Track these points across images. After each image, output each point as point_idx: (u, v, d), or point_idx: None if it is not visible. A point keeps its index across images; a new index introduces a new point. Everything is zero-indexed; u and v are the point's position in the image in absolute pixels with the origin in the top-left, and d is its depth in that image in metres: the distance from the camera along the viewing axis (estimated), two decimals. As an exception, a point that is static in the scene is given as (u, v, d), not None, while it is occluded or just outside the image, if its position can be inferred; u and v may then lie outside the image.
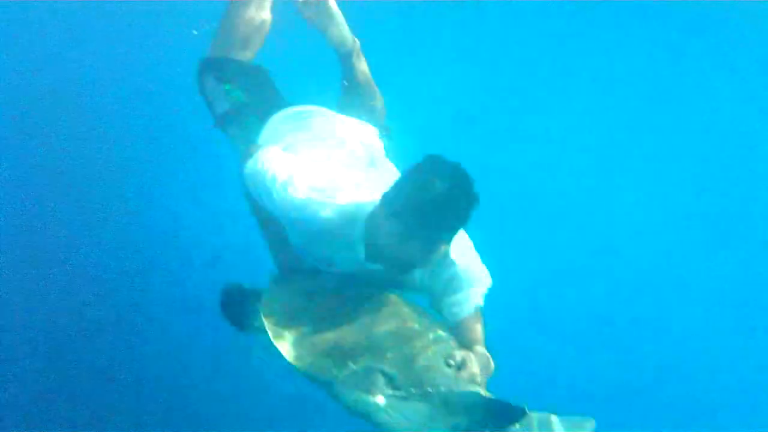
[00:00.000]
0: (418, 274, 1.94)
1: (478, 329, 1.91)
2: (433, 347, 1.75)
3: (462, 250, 1.94)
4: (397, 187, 1.72)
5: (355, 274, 1.93)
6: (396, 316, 1.84)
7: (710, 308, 3.91)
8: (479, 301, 1.93)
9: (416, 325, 1.81)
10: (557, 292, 3.86)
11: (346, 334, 1.79)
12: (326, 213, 1.81)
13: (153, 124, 3.51)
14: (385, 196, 1.73)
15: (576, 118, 3.84)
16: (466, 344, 1.84)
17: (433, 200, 1.63)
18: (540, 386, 3.84)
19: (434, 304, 1.97)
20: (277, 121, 2.14)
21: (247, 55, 2.34)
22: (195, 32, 2.78)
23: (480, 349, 1.84)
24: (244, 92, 2.25)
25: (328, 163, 1.98)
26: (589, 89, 3.83)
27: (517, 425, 1.59)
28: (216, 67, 2.29)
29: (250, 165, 1.91)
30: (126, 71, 3.39)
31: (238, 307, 1.92)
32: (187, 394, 3.60)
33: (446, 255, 1.88)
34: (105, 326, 3.40)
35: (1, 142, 3.29)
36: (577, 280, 3.84)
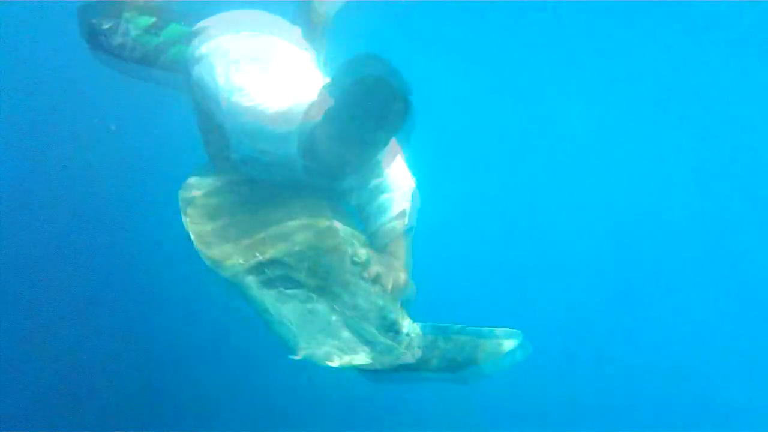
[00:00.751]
0: (348, 183, 1.95)
1: (401, 250, 1.91)
2: (342, 245, 1.75)
3: (392, 160, 1.95)
4: (330, 88, 1.73)
5: (289, 181, 1.93)
6: (313, 214, 1.84)
7: (710, 309, 3.91)
8: (405, 205, 1.95)
9: (331, 224, 1.81)
10: (558, 292, 3.86)
11: (258, 227, 1.79)
12: (264, 116, 1.82)
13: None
14: (319, 96, 1.75)
15: (575, 117, 3.84)
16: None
17: (364, 98, 1.65)
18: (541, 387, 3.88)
19: (360, 212, 1.98)
20: (213, 26, 2.11)
21: None
22: None
23: (397, 263, 1.84)
24: (150, 15, 2.21)
25: (266, 68, 1.98)
26: (588, 89, 3.83)
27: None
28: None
29: (197, 70, 1.94)
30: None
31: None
32: (186, 394, 3.60)
33: (378, 163, 1.90)
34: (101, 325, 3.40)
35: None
36: (578, 280, 3.84)
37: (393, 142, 1.85)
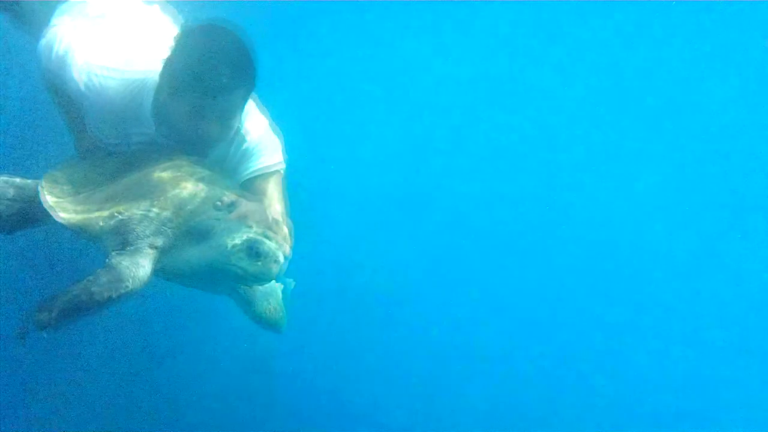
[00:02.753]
0: (213, 151, 1.96)
1: (270, 189, 1.94)
2: (204, 193, 1.77)
3: (255, 125, 1.97)
4: (170, 61, 1.73)
5: (150, 149, 1.93)
6: (173, 168, 1.85)
7: (710, 309, 3.90)
8: (268, 148, 1.97)
9: (192, 176, 1.82)
10: (558, 293, 3.86)
11: (119, 188, 1.81)
12: (111, 85, 1.82)
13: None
14: (162, 72, 1.75)
15: (574, 117, 3.83)
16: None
17: (205, 65, 1.65)
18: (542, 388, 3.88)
19: (227, 165, 1.98)
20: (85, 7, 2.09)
21: None
22: None
23: (266, 201, 1.87)
24: None
25: (111, 37, 1.97)
26: (586, 89, 3.82)
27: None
28: None
29: (42, 43, 1.93)
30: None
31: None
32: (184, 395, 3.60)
33: (238, 130, 1.91)
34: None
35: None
36: (579, 281, 3.84)
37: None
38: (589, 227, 3.85)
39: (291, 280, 2.09)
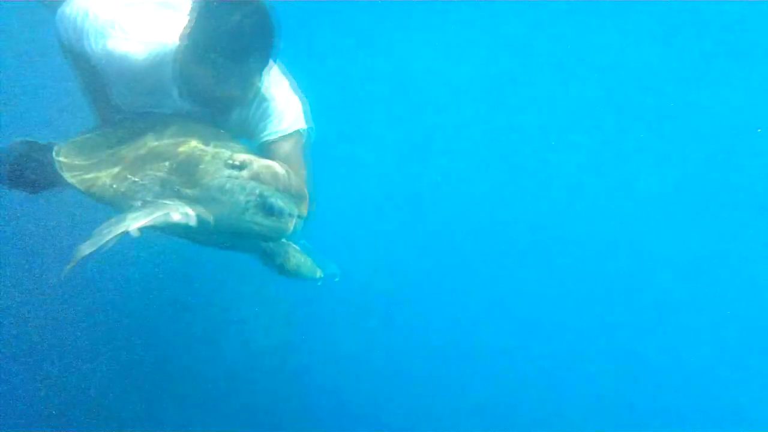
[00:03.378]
0: (234, 114, 1.97)
1: (289, 151, 1.94)
2: (215, 153, 1.79)
3: (275, 89, 1.98)
4: (193, 26, 1.74)
5: (167, 116, 1.95)
6: (186, 132, 1.86)
7: (709, 310, 3.91)
8: (288, 112, 1.97)
9: (204, 138, 1.84)
10: (559, 293, 3.87)
11: (131, 153, 1.83)
12: (132, 50, 1.83)
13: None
14: (184, 36, 1.76)
15: (573, 117, 3.84)
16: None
17: (226, 28, 1.67)
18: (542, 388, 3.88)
19: (245, 129, 2.00)
20: None
21: None
22: None
23: (279, 162, 1.86)
24: None
25: (132, 5, 1.97)
26: (585, 89, 3.83)
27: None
28: None
29: (61, 10, 1.93)
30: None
31: (32, 162, 1.93)
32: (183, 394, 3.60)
33: (258, 92, 1.92)
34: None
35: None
36: (579, 280, 3.84)
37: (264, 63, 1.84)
38: (588, 227, 3.85)
39: (335, 270, 2.08)
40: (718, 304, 3.83)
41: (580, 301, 3.84)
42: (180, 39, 1.78)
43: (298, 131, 1.99)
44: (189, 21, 1.76)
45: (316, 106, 2.09)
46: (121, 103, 1.99)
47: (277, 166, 1.79)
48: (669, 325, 3.87)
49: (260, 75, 1.85)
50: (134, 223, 1.56)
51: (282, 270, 1.94)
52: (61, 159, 1.85)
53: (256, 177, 1.72)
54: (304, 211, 1.75)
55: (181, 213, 1.64)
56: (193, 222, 1.65)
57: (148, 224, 1.59)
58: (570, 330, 3.87)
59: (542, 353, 3.87)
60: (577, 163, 3.86)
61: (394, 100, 3.69)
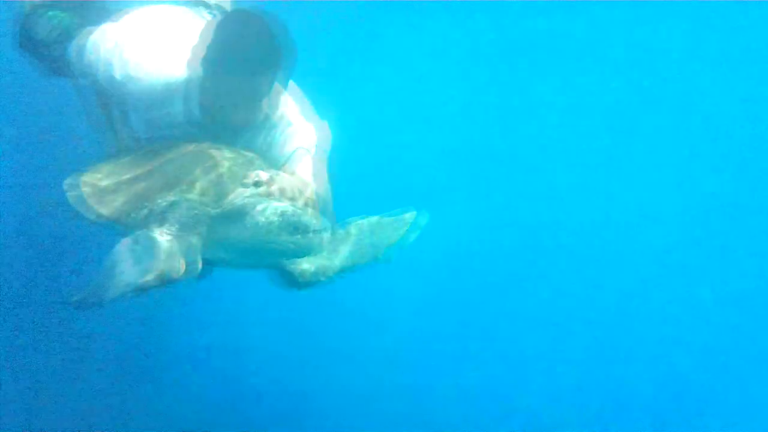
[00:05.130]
0: (247, 136, 1.96)
1: (305, 168, 1.91)
2: (231, 172, 1.75)
3: (288, 111, 1.98)
4: (199, 48, 1.76)
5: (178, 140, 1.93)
6: (199, 153, 1.83)
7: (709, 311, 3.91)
8: (306, 135, 1.96)
9: (218, 158, 1.80)
10: (560, 293, 3.86)
11: (146, 178, 1.80)
12: (147, 73, 1.84)
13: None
14: (192, 59, 1.79)
15: (573, 118, 3.84)
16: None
17: (232, 47, 1.70)
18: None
19: (264, 155, 1.96)
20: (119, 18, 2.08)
21: None
22: None
23: (298, 174, 1.85)
24: (67, 12, 2.20)
25: (144, 33, 1.98)
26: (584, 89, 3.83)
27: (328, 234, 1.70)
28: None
29: (78, 43, 1.96)
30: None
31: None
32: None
33: (269, 117, 1.92)
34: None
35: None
36: (579, 280, 3.84)
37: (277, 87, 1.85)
38: (588, 227, 3.86)
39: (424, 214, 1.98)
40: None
41: (580, 300, 3.85)
42: (189, 60, 1.80)
43: (316, 150, 1.98)
44: (198, 41, 1.78)
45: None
46: (139, 130, 1.99)
47: (295, 181, 1.77)
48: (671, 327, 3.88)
49: (267, 96, 1.84)
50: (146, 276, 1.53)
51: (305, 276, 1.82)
52: (86, 188, 1.80)
53: (274, 194, 1.69)
54: (327, 224, 1.73)
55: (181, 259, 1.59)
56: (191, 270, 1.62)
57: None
58: (570, 331, 3.87)
59: (547, 353, 3.88)
60: (576, 164, 3.86)
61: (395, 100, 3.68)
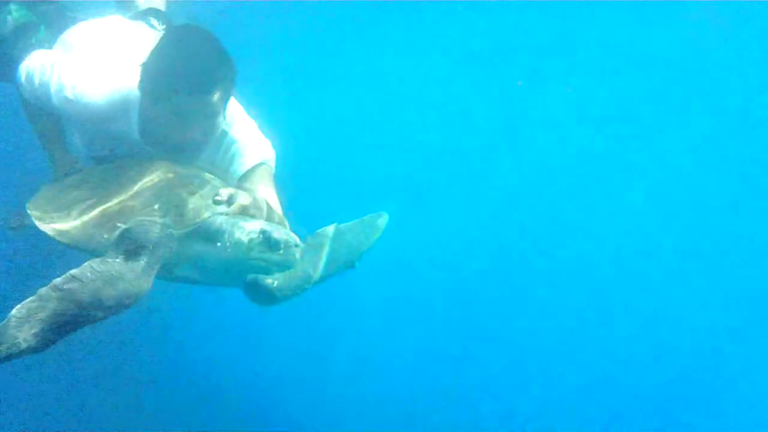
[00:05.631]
0: (201, 159, 1.97)
1: (260, 182, 1.93)
2: (200, 191, 1.76)
3: (240, 128, 1.99)
4: (147, 66, 1.75)
5: (137, 158, 1.94)
6: (163, 174, 1.83)
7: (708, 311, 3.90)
8: (255, 148, 1.97)
9: (183, 178, 1.81)
10: (560, 292, 3.86)
11: (113, 200, 1.77)
12: (94, 96, 1.83)
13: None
14: (141, 78, 1.77)
15: (572, 118, 3.84)
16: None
17: (178, 65, 1.68)
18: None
19: (216, 170, 1.98)
20: (71, 35, 2.12)
21: None
22: None
23: (256, 189, 1.85)
24: (28, 9, 2.24)
25: (92, 53, 2.00)
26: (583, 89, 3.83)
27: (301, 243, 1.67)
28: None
29: (23, 65, 1.95)
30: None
31: None
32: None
33: (225, 136, 1.93)
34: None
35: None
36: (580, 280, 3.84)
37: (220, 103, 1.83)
38: (587, 227, 3.86)
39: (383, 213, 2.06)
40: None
41: (579, 301, 3.85)
42: (139, 80, 1.78)
43: (265, 163, 1.99)
44: (145, 61, 1.77)
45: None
46: (83, 151, 2.01)
47: (258, 197, 1.77)
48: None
49: (219, 113, 1.83)
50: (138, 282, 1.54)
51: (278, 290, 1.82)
52: (35, 212, 1.81)
53: (244, 210, 1.69)
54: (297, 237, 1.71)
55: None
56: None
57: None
58: (570, 330, 3.87)
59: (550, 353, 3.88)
60: (574, 165, 3.87)
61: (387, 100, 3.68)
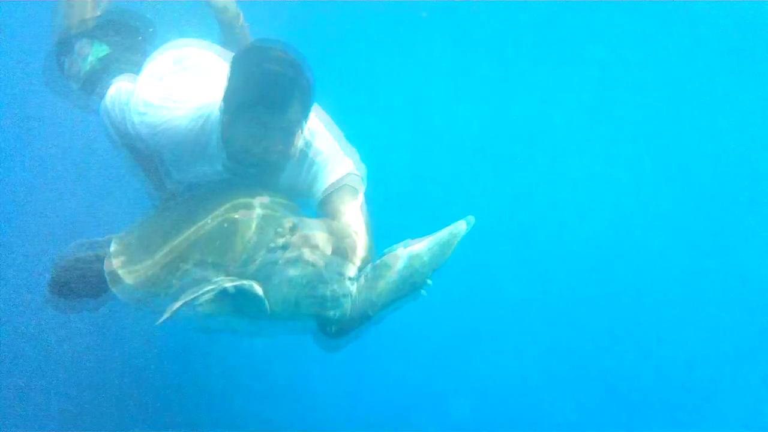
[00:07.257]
0: (283, 177, 1.91)
1: (342, 205, 1.84)
2: (259, 222, 1.70)
3: (322, 143, 1.92)
4: (226, 86, 1.73)
5: (223, 185, 1.89)
6: (232, 212, 1.76)
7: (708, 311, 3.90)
8: (339, 169, 1.89)
9: (246, 209, 1.75)
10: (560, 292, 3.86)
11: (179, 241, 1.73)
12: (176, 119, 1.83)
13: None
14: (222, 99, 1.75)
15: (572, 118, 3.83)
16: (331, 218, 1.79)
17: (254, 82, 1.66)
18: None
19: (296, 191, 1.93)
20: (150, 62, 2.10)
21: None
22: None
23: (339, 220, 1.77)
24: (107, 44, 2.24)
25: (170, 77, 1.99)
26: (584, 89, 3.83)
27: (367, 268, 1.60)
28: (69, 40, 2.26)
29: (102, 104, 1.95)
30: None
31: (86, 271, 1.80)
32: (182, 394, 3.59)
33: (305, 153, 1.88)
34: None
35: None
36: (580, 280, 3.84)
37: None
38: (589, 228, 3.86)
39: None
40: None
41: (578, 301, 3.84)
42: (221, 101, 1.77)
43: (351, 180, 1.91)
44: (227, 79, 1.74)
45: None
46: (174, 177, 1.98)
47: (321, 237, 1.69)
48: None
49: (298, 128, 1.79)
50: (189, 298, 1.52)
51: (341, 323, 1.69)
52: (117, 258, 1.75)
53: (306, 243, 1.64)
54: (353, 272, 1.64)
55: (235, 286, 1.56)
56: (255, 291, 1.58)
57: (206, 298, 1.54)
58: (569, 331, 3.87)
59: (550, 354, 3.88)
60: (575, 165, 3.86)
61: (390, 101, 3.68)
